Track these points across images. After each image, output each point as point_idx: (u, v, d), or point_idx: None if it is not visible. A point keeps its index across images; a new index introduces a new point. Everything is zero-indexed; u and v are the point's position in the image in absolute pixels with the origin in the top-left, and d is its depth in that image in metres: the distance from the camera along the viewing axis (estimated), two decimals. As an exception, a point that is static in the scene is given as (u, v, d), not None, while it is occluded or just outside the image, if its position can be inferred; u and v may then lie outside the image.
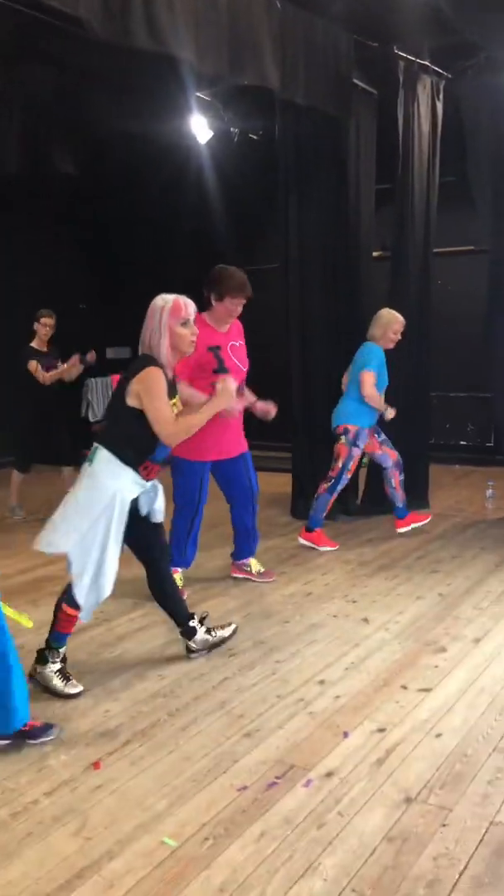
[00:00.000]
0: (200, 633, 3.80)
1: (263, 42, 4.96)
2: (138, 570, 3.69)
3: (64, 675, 3.47)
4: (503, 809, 2.58)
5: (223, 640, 3.87)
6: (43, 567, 5.26)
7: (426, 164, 6.49)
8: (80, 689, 3.45)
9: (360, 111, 6.35)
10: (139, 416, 3.30)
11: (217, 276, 4.35)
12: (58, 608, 3.47)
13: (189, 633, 3.78)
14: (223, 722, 3.20)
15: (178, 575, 4.60)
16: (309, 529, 5.72)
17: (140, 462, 3.38)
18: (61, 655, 3.51)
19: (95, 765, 2.90)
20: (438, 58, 6.32)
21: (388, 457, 5.78)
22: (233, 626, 3.96)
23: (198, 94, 7.22)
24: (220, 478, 4.74)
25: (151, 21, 4.07)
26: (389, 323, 5.58)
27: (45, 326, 6.62)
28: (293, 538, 5.95)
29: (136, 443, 3.35)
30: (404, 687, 3.46)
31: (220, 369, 4.32)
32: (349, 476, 5.71)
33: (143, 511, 3.52)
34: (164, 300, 3.35)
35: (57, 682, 3.44)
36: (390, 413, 5.60)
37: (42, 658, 3.50)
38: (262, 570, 5.01)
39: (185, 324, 3.33)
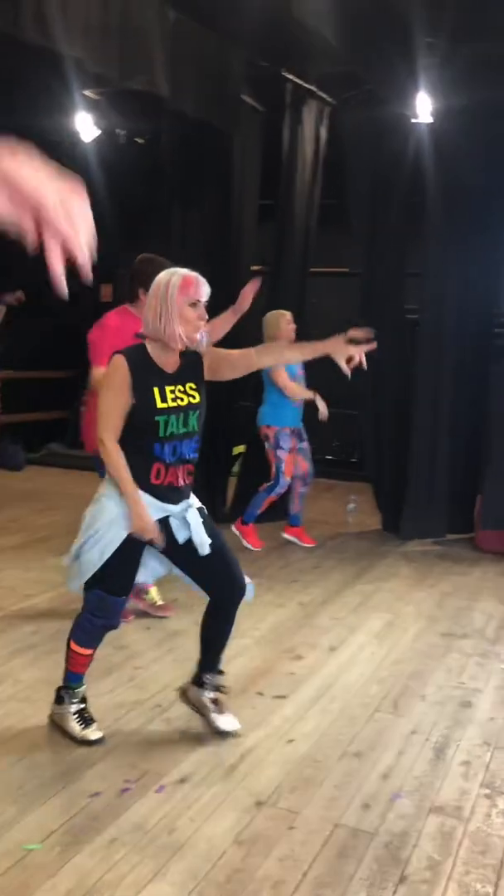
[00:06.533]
0: (205, 693, 3.19)
1: (154, 49, 4.98)
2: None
3: (83, 718, 3.07)
4: (348, 812, 2.69)
5: (209, 723, 3.17)
6: None
7: (308, 185, 6.68)
8: (100, 734, 3.06)
9: (247, 127, 6.46)
10: None
11: (146, 268, 4.01)
12: (67, 645, 3.09)
13: (197, 681, 3.22)
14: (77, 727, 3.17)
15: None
16: (244, 522, 5.92)
17: (146, 469, 2.90)
18: (80, 696, 3.10)
19: None
20: (325, 84, 6.53)
21: (298, 466, 5.93)
22: (236, 726, 3.17)
23: (85, 92, 7.14)
24: None
25: (41, 15, 4.02)
26: (278, 320, 5.75)
27: None
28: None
29: (129, 447, 2.88)
30: (260, 693, 3.54)
31: None
32: (287, 479, 5.81)
33: (180, 538, 2.98)
34: (171, 273, 2.88)
35: (74, 725, 3.05)
36: (321, 406, 5.54)
37: (58, 697, 3.12)
38: (160, 603, 4.51)
39: (194, 305, 2.87)
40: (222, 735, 3.13)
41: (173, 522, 2.98)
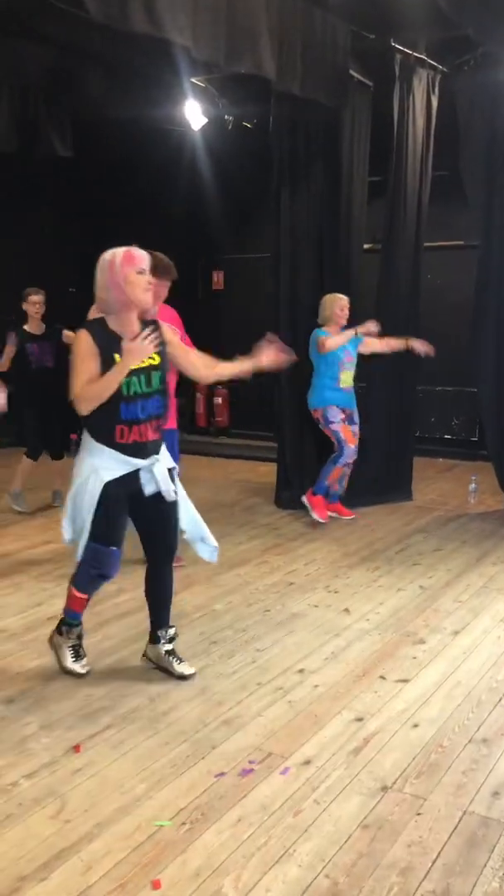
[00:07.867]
0: (161, 647, 3.53)
1: (261, 31, 4.93)
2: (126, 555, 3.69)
3: (77, 653, 3.54)
4: (477, 799, 2.62)
5: (172, 673, 3.49)
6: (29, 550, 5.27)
7: (419, 157, 6.50)
8: (87, 670, 3.51)
9: (356, 103, 6.34)
10: None
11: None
12: (69, 586, 3.50)
13: (153, 639, 3.56)
14: (203, 708, 3.23)
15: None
16: (313, 493, 6.06)
17: (110, 429, 3.16)
18: (76, 634, 3.55)
19: (76, 748, 2.92)
20: (435, 52, 6.32)
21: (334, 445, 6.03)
22: (192, 670, 3.51)
23: (193, 80, 7.18)
24: None
25: (150, 5, 4.05)
26: (332, 304, 5.92)
27: (33, 305, 6.27)
28: (277, 527, 6.00)
29: (95, 411, 3.16)
30: (383, 677, 3.51)
31: None
32: (352, 447, 5.91)
33: (148, 490, 3.30)
34: (114, 252, 3.13)
35: (66, 656, 3.52)
36: (371, 326, 5.88)
37: (59, 629, 3.56)
38: None
39: (140, 272, 3.12)
40: (184, 679, 3.45)
41: (143, 475, 3.28)
